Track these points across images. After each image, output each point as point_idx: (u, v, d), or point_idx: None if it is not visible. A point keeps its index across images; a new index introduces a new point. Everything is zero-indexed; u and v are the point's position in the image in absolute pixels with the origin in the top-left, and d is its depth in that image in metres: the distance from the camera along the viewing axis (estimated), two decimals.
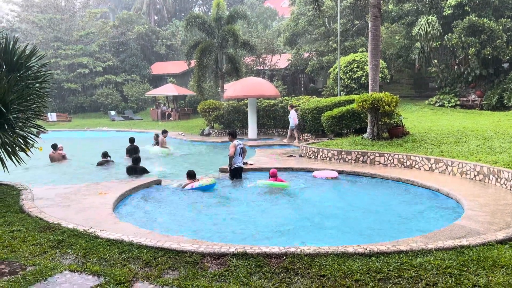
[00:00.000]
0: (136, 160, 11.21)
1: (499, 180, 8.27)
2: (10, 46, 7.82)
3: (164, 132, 16.41)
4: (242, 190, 9.59)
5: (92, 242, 5.03)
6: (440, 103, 23.57)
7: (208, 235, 6.15)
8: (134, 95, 37.02)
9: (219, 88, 26.69)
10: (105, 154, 13.18)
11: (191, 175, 9.44)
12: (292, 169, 11.31)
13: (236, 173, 10.38)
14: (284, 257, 4.42)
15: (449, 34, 22.57)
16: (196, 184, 9.17)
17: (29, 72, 8.16)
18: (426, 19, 22.25)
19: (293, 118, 17.50)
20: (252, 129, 19.50)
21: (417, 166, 10.47)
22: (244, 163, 11.07)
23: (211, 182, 9.37)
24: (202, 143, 19.60)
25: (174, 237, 5.45)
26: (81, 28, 40.33)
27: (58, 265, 4.26)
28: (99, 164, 12.90)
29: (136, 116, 34.57)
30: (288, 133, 18.09)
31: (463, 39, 21.82)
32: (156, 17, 54.47)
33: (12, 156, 7.34)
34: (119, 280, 3.84)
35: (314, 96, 22.10)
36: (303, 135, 18.22)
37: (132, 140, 14.26)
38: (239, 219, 7.23)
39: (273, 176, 9.49)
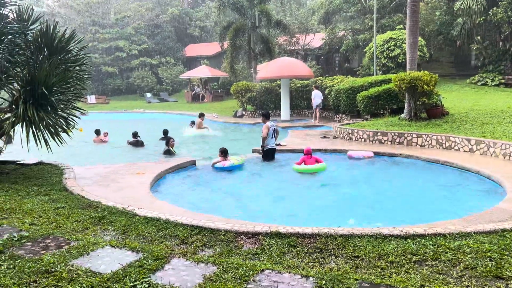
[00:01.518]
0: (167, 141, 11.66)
1: None
2: (51, 30, 8.06)
3: (201, 115, 16.53)
4: (274, 171, 9.61)
5: (130, 219, 5.21)
6: (482, 82, 22.48)
7: (241, 215, 6.23)
8: (169, 78, 37.55)
9: (252, 69, 26.59)
10: (135, 134, 13.59)
11: (224, 152, 9.65)
12: (326, 151, 11.20)
13: (268, 155, 10.41)
14: (318, 237, 4.42)
15: (494, 8, 21.32)
16: (227, 163, 9.41)
17: (69, 55, 8.41)
18: None
19: (313, 98, 18.21)
20: (285, 110, 19.39)
21: (456, 148, 10.11)
22: (277, 145, 11.08)
23: (241, 162, 9.73)
24: (236, 125, 19.71)
25: (208, 216, 5.57)
26: (117, 12, 41.02)
27: (99, 240, 4.45)
28: (130, 143, 13.34)
29: (171, 98, 35.13)
30: (316, 114, 18.33)
31: (509, 13, 20.56)
32: None
33: (55, 137, 7.65)
34: (157, 256, 3.97)
35: (349, 76, 21.62)
36: (338, 115, 17.98)
37: (165, 132, 14.40)
38: (271, 200, 7.27)
39: (308, 154, 9.45)
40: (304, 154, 9.54)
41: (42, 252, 4.10)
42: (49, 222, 5.11)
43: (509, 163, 8.50)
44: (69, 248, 4.19)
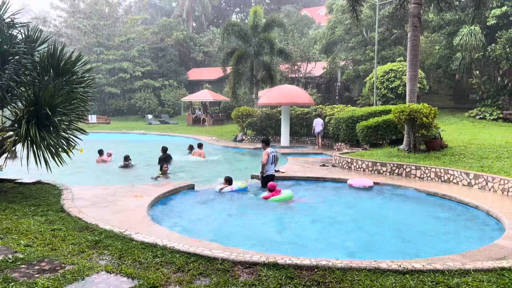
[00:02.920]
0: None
1: None
2: (58, 52, 8.20)
3: (200, 145, 16.27)
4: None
5: (127, 244, 5.17)
6: (481, 116, 22.73)
7: (238, 242, 6.18)
8: (171, 100, 37.87)
9: (254, 95, 26.87)
10: (126, 158, 13.78)
11: (229, 181, 9.85)
12: (325, 179, 11.20)
13: (267, 181, 10.37)
14: (315, 270, 4.39)
15: (493, 44, 21.80)
16: (235, 187, 9.69)
17: (74, 77, 8.52)
18: (469, 29, 21.58)
19: (314, 125, 19.08)
20: (285, 137, 19.50)
21: (455, 181, 10.12)
22: (276, 171, 11.08)
23: (246, 185, 10.05)
24: (235, 149, 19.76)
25: (206, 243, 5.52)
26: (123, 34, 41.73)
27: (95, 265, 4.41)
28: (121, 167, 13.44)
29: (172, 121, 35.31)
30: (319, 141, 19.31)
31: (507, 50, 21.01)
32: (194, 24, 55.56)
33: (55, 157, 7.67)
34: (152, 283, 3.93)
35: (349, 105, 21.84)
36: (337, 144, 18.08)
37: (164, 150, 14.45)
38: (269, 227, 7.23)
39: (273, 189, 9.22)
40: (270, 191, 9.20)
41: (37, 275, 4.06)
42: (45, 244, 5.07)
43: (508, 198, 8.51)
44: (64, 272, 4.15)
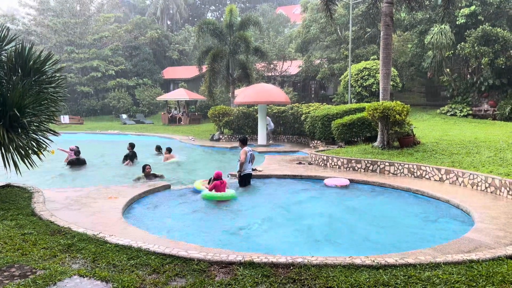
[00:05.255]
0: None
1: (510, 192, 8.17)
2: (26, 51, 7.96)
3: (169, 150, 15.81)
4: (249, 197, 9.58)
5: (101, 247, 5.08)
6: (451, 112, 23.37)
7: (215, 241, 6.17)
8: (146, 99, 37.36)
9: (230, 93, 26.82)
10: (76, 153, 13.85)
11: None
12: (301, 177, 11.29)
13: (245, 180, 10.41)
14: (291, 267, 4.42)
15: (462, 43, 22.42)
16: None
17: (44, 76, 8.30)
18: (439, 28, 22.14)
19: (268, 123, 20.38)
20: (261, 135, 19.54)
21: (427, 176, 10.38)
22: (253, 170, 11.11)
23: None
24: (212, 148, 19.67)
25: (182, 244, 5.49)
26: (95, 32, 40.87)
27: (67, 269, 4.31)
28: (70, 162, 13.54)
29: (147, 120, 34.87)
30: (270, 136, 20.63)
31: (476, 48, 21.65)
32: (169, 22, 55.00)
33: (25, 159, 7.46)
34: (127, 286, 3.87)
35: (325, 103, 22.08)
36: (313, 141, 18.25)
37: (132, 146, 14.19)
38: (246, 227, 7.24)
39: (218, 178, 9.25)
40: (214, 179, 9.28)
41: (6, 281, 3.95)
42: (15, 249, 4.93)
43: (477, 192, 8.79)
44: (35, 277, 4.04)
